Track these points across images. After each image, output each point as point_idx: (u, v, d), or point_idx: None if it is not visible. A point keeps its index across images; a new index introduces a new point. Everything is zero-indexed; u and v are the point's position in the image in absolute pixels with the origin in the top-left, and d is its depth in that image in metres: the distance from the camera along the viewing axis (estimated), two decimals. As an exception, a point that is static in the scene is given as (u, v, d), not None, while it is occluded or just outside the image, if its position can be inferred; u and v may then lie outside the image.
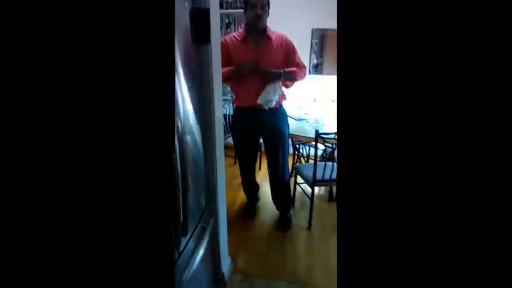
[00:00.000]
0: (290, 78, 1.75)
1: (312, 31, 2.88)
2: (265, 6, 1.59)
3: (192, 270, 0.91)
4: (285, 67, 1.69)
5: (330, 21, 2.74)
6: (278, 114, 1.79)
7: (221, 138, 1.27)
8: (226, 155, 1.53)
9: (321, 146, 2.46)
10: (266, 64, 1.65)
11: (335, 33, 3.01)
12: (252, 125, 1.79)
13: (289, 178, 2.00)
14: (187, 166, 0.79)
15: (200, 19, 0.92)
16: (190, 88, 0.90)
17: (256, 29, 1.64)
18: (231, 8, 3.17)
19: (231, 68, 1.64)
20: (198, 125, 1.04)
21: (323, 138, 1.81)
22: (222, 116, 1.30)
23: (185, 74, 0.82)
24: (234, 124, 1.92)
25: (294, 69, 1.73)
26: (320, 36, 2.94)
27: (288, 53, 1.71)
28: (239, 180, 2.65)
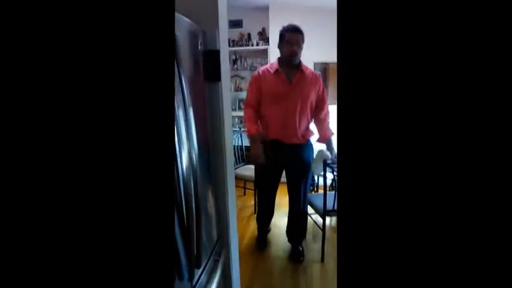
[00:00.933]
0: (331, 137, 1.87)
1: (314, 65, 3.02)
2: (301, 43, 1.65)
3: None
4: (313, 102, 1.76)
5: (331, 56, 2.89)
6: (304, 148, 1.81)
7: (232, 169, 1.29)
8: (236, 186, 1.55)
9: (329, 176, 2.45)
10: (297, 99, 1.69)
11: (336, 66, 3.16)
12: (277, 157, 1.79)
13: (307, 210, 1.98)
14: (200, 198, 0.81)
15: (211, 59, 0.99)
16: (201, 121, 0.95)
17: (290, 64, 1.69)
18: (237, 46, 3.36)
19: (250, 137, 1.79)
20: (208, 156, 1.08)
21: (331, 167, 1.82)
22: (232, 148, 1.34)
23: (196, 109, 0.87)
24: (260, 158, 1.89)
25: (327, 129, 1.85)
26: (322, 69, 3.07)
27: (318, 90, 1.77)
28: (249, 211, 2.64)
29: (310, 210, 2.09)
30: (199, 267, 0.83)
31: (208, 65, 1.00)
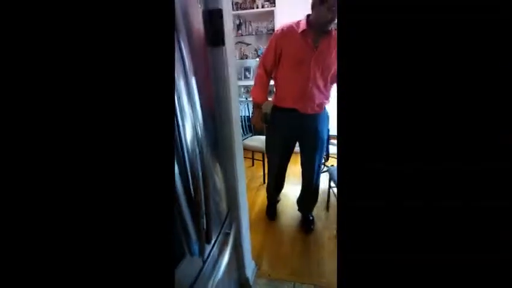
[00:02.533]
0: None
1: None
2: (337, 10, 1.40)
3: (217, 278, 0.89)
4: (335, 71, 1.58)
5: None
6: (320, 118, 1.68)
7: (240, 141, 1.24)
8: (244, 157, 1.51)
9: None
10: (320, 67, 1.53)
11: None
12: (292, 127, 1.68)
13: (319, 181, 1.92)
14: (207, 172, 0.77)
15: (213, 20, 0.89)
16: (204, 90, 0.88)
17: (322, 28, 1.47)
18: (240, 9, 3.15)
19: (256, 107, 1.74)
20: (214, 127, 1.02)
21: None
22: (240, 118, 1.27)
23: (198, 77, 0.79)
24: (271, 123, 1.77)
25: None
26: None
27: None
28: (258, 182, 2.64)
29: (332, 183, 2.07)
30: (209, 243, 0.81)
31: (210, 28, 0.91)
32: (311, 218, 1.98)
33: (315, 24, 1.47)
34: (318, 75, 1.55)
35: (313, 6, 1.45)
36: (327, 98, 1.66)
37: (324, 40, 1.49)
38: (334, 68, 1.56)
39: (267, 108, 1.79)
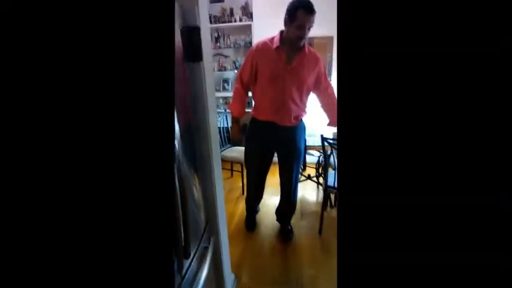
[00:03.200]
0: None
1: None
2: (312, 24, 1.47)
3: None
4: (310, 85, 1.65)
5: (315, 31, 2.80)
6: (297, 130, 1.73)
7: (217, 153, 1.25)
8: (222, 168, 1.51)
9: (316, 153, 2.45)
10: (294, 82, 1.58)
11: (321, 40, 3.04)
12: (269, 139, 1.72)
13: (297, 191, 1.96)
14: (186, 185, 0.77)
15: (191, 37, 0.91)
16: (181, 104, 0.89)
17: (294, 45, 1.54)
18: (219, 23, 3.20)
19: (234, 119, 1.79)
20: (192, 140, 1.03)
21: (329, 143, 1.81)
22: (217, 131, 1.29)
23: (175, 92, 0.81)
24: (250, 134, 1.81)
25: (334, 108, 1.75)
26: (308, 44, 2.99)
27: (320, 73, 1.66)
28: (237, 193, 2.64)
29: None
30: (187, 258, 0.81)
31: (188, 44, 0.93)
32: (290, 227, 2.00)
33: (287, 41, 1.54)
34: (293, 89, 1.60)
35: (284, 24, 1.52)
36: (303, 110, 1.72)
37: (298, 56, 1.56)
38: (309, 81, 1.63)
39: (246, 120, 1.82)
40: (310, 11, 1.41)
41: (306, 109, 1.76)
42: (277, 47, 1.55)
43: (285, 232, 1.98)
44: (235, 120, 1.78)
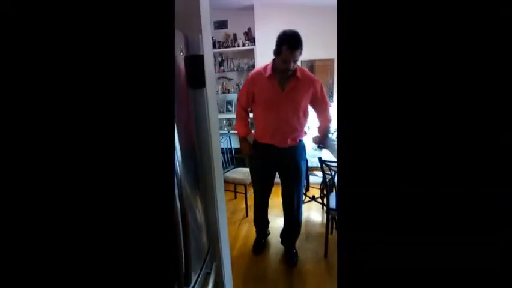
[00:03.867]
0: (329, 129, 1.94)
1: (301, 63, 3.01)
2: (298, 57, 1.54)
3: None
4: (306, 106, 1.73)
5: (317, 53, 2.91)
6: (296, 150, 1.77)
7: (220, 175, 1.26)
8: (226, 190, 1.51)
9: (319, 174, 2.44)
10: (289, 107, 1.65)
11: (322, 62, 3.11)
12: (269, 159, 1.78)
13: (302, 212, 1.95)
14: (187, 207, 0.77)
15: (195, 65, 0.95)
16: (185, 126, 0.91)
17: (284, 74, 1.61)
18: (223, 47, 3.31)
19: (241, 138, 1.86)
20: (195, 164, 1.04)
21: (328, 166, 1.80)
22: (220, 153, 1.30)
23: (179, 117, 0.83)
24: (253, 155, 1.89)
25: (325, 123, 1.87)
26: (309, 67, 3.06)
27: (316, 95, 1.71)
28: (241, 214, 2.61)
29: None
30: (188, 285, 0.79)
31: (192, 71, 0.96)
32: (294, 251, 1.96)
33: (278, 69, 1.62)
34: (289, 114, 1.66)
35: (274, 53, 1.61)
36: (301, 131, 1.77)
37: (290, 82, 1.63)
38: (304, 104, 1.70)
39: (251, 139, 1.89)
40: (294, 47, 1.49)
41: (307, 129, 1.82)
42: (270, 75, 1.63)
43: (289, 256, 1.93)
44: (242, 139, 1.86)
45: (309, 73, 1.74)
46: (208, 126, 1.10)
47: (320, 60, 3.03)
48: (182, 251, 0.74)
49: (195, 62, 0.94)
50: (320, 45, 2.80)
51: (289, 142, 1.72)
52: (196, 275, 0.93)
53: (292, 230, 1.94)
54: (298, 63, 2.94)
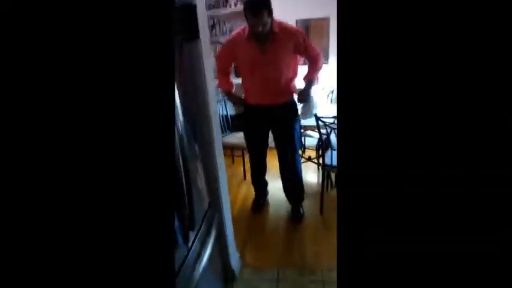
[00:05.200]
0: (314, 83, 1.82)
1: (296, 22, 2.91)
2: (266, 19, 1.50)
3: (201, 269, 0.90)
4: (290, 61, 1.68)
5: (312, 12, 2.83)
6: (287, 107, 1.78)
7: (219, 135, 1.27)
8: (224, 155, 1.53)
9: (315, 135, 2.46)
10: (271, 66, 1.63)
11: (317, 22, 3.01)
12: (260, 119, 1.80)
13: (301, 171, 1.98)
14: (188, 160, 0.79)
15: (188, 15, 0.92)
16: (181, 85, 0.90)
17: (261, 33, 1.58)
18: (214, 8, 3.16)
19: (225, 91, 1.86)
20: (194, 124, 1.04)
21: (323, 122, 1.82)
22: (218, 112, 1.30)
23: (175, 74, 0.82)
24: (244, 118, 1.93)
25: (312, 74, 1.78)
26: (304, 26, 2.96)
27: (299, 45, 1.65)
28: (239, 178, 2.67)
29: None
30: (193, 229, 0.83)
31: (185, 22, 0.93)
32: (301, 211, 2.01)
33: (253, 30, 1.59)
34: (273, 72, 1.65)
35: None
36: (290, 87, 1.76)
37: (269, 38, 1.60)
38: (288, 58, 1.66)
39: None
40: (255, 13, 1.47)
41: (295, 84, 1.80)
42: (248, 37, 1.62)
43: (295, 215, 1.99)
44: (228, 92, 1.88)
45: (289, 26, 1.69)
46: (204, 82, 1.08)
47: (314, 20, 2.92)
48: (186, 197, 0.77)
49: (188, 12, 0.90)
50: (315, 4, 2.69)
51: (279, 100, 1.74)
52: (199, 224, 0.97)
53: (294, 188, 1.99)
54: (293, 23, 2.85)
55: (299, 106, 1.83)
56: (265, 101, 1.73)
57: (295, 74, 1.77)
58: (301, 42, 1.66)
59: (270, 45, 1.61)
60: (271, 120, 1.79)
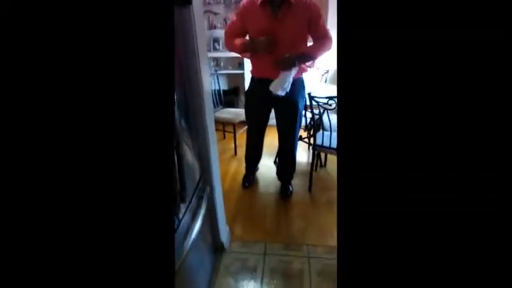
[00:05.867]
0: (310, 59, 1.67)
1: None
2: None
3: (191, 240, 0.91)
4: (307, 35, 1.60)
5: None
6: (294, 86, 1.68)
7: (211, 109, 1.24)
8: (215, 129, 1.51)
9: (307, 114, 2.45)
10: (286, 36, 1.54)
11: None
12: (265, 95, 1.67)
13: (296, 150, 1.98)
14: (179, 132, 0.77)
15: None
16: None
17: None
18: (208, -26, 2.99)
19: (247, 41, 1.64)
20: (184, 95, 1.01)
21: (317, 102, 1.80)
22: (210, 84, 1.26)
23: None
24: (248, 91, 1.86)
25: (311, 49, 1.64)
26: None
27: (312, 19, 1.56)
28: (229, 153, 2.67)
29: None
30: (184, 202, 0.83)
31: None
32: (291, 188, 2.04)
33: None
34: (286, 42, 1.57)
35: None
36: (302, 66, 1.69)
37: (283, 7, 1.52)
38: (300, 31, 1.58)
39: (238, 83, 1.80)
40: None
41: (306, 67, 1.74)
42: (261, 3, 1.53)
43: (284, 192, 2.02)
44: (248, 43, 1.64)
45: None
46: (196, 51, 1.03)
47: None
48: (177, 170, 0.76)
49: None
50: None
51: None
52: (190, 196, 0.98)
53: (286, 166, 2.01)
54: None
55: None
56: (273, 74, 1.61)
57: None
58: (315, 18, 1.58)
59: (285, 13, 1.53)
60: (276, 98, 1.67)
